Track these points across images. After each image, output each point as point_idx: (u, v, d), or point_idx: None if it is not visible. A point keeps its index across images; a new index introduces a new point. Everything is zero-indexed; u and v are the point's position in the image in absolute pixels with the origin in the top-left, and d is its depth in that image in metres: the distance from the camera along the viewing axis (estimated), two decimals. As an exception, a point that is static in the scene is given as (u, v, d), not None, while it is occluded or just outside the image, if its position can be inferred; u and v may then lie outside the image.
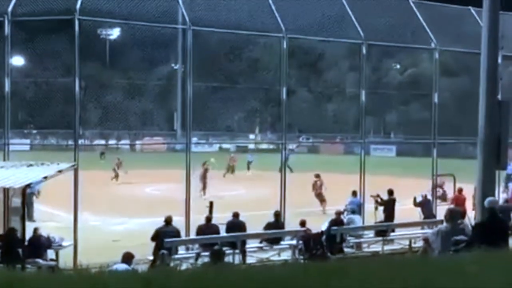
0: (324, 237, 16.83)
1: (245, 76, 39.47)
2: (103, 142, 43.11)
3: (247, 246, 16.94)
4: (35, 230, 15.45)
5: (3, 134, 17.21)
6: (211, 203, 18.31)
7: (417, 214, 20.29)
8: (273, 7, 19.21)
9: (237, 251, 16.15)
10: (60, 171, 15.51)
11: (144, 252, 15.09)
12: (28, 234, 15.12)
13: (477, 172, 14.03)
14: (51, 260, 15.44)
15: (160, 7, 18.34)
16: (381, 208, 20.01)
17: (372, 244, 18.44)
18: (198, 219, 17.20)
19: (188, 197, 17.95)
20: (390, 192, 20.03)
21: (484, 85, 13.87)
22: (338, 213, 18.47)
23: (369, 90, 22.81)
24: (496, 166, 14.26)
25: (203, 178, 28.13)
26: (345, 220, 18.32)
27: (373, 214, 20.25)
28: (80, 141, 18.21)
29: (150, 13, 18.06)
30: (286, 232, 17.69)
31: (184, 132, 20.82)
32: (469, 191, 19.72)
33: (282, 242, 17.57)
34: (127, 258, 12.06)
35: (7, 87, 17.22)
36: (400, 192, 20.68)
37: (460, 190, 21.01)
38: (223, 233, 16.65)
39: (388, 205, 19.76)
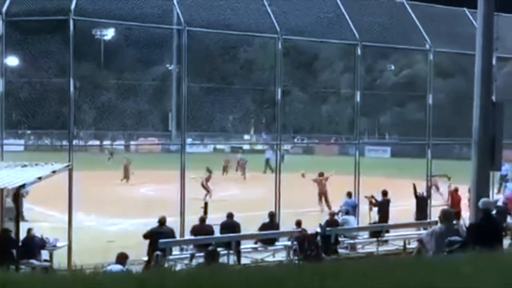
0: (318, 238, 16.83)
1: (240, 77, 39.53)
2: (97, 142, 42.98)
3: (242, 247, 16.94)
4: (29, 230, 15.36)
5: (-3, 134, 17.17)
6: (205, 204, 18.37)
7: (411, 215, 20.32)
8: (268, 8, 19.21)
9: (231, 251, 16.15)
10: (54, 172, 15.47)
11: (139, 253, 15.05)
12: (22, 234, 15.07)
13: (471, 173, 14.06)
14: (45, 261, 15.35)
15: (155, 8, 18.34)
16: (375, 209, 20.06)
17: (366, 245, 18.45)
18: (192, 220, 17.19)
19: (183, 198, 17.93)
20: (385, 193, 20.07)
21: (479, 86, 13.89)
22: (332, 214, 18.57)
23: (364, 91, 22.85)
24: (491, 167, 14.26)
25: (206, 184, 27.78)
26: (339, 221, 18.35)
27: (367, 215, 20.28)
28: (74, 142, 18.17)
29: (145, 14, 18.04)
30: (281, 233, 17.68)
31: (179, 133, 20.81)
32: (464, 192, 19.79)
33: (277, 243, 17.57)
34: (122, 258, 12.02)
35: (1, 87, 17.19)
36: (394, 193, 20.73)
37: (456, 190, 21.07)
38: (217, 233, 16.64)
39: (383, 206, 19.80)
